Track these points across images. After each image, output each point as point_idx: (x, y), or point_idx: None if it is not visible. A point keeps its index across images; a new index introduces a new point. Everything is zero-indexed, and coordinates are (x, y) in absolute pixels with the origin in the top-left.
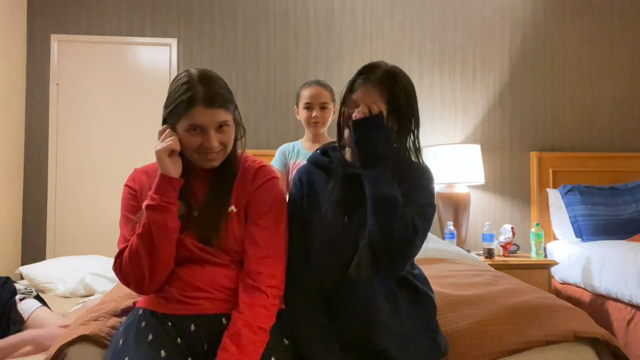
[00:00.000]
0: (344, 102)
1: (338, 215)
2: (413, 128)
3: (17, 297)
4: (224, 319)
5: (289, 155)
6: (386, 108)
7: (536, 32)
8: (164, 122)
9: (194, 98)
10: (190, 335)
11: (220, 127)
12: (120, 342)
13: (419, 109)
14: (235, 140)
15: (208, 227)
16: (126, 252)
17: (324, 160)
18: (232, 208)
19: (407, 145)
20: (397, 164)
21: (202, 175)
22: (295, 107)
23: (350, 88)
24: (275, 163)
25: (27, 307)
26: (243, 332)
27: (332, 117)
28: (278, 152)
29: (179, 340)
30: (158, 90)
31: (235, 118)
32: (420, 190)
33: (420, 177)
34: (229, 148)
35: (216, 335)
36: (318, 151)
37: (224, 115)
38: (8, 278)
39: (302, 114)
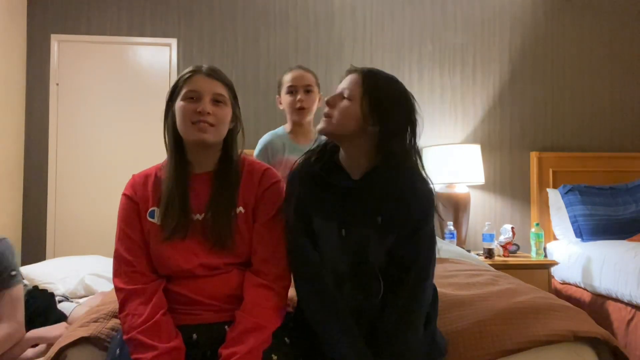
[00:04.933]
0: None
1: (334, 229)
2: (398, 136)
3: (57, 298)
4: (227, 327)
5: (277, 150)
6: (361, 94)
7: (536, 32)
8: (167, 105)
9: (197, 70)
10: (191, 344)
11: (217, 101)
12: (117, 351)
13: (412, 121)
14: (234, 136)
15: (220, 229)
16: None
17: (317, 170)
18: (240, 209)
19: (395, 153)
20: (396, 179)
21: (203, 178)
22: (277, 96)
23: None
24: (257, 157)
25: (67, 306)
26: (248, 332)
27: (317, 104)
28: (261, 146)
29: None
30: (158, 90)
31: (235, 112)
32: (423, 231)
33: (420, 209)
34: (222, 129)
35: (219, 343)
36: (312, 159)
37: (221, 89)
38: (36, 287)
39: (285, 100)
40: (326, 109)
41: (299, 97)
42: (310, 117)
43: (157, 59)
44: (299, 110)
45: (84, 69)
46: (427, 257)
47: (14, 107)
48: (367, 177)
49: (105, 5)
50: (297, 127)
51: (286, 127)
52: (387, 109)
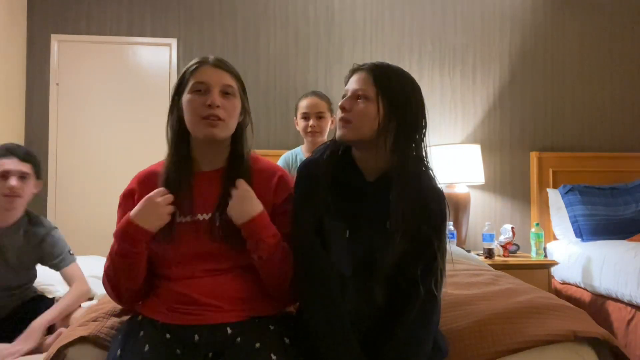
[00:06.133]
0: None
1: (341, 230)
2: (414, 133)
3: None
4: (229, 328)
5: (292, 164)
6: (377, 94)
7: (536, 32)
8: (173, 99)
9: (204, 61)
10: (193, 346)
11: (226, 93)
12: (119, 351)
13: (424, 114)
14: (244, 130)
15: (228, 230)
16: (103, 275)
17: (330, 167)
18: None
19: (411, 153)
20: (407, 183)
21: (210, 176)
22: (295, 118)
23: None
24: None
25: None
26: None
27: (330, 126)
28: (280, 162)
29: (178, 351)
30: (158, 90)
31: (244, 105)
32: (436, 245)
33: (435, 223)
34: (232, 122)
35: (221, 344)
36: (326, 155)
37: (230, 80)
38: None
39: (300, 124)
40: (341, 114)
41: (311, 122)
42: (323, 138)
43: (157, 59)
44: (312, 133)
45: (84, 69)
46: (439, 273)
47: (14, 107)
48: (383, 180)
49: (105, 5)
50: (312, 146)
51: (303, 147)
52: (404, 104)
